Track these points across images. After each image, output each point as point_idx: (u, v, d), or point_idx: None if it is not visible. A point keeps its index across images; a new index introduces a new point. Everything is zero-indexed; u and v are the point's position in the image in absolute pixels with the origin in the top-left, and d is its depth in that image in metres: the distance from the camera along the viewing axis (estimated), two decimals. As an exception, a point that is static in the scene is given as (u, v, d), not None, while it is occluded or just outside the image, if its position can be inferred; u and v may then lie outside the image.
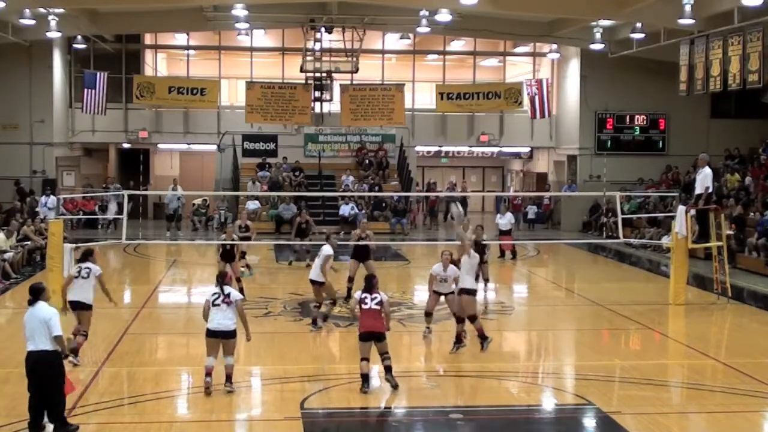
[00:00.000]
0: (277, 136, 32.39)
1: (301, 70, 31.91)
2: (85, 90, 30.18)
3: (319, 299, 15.26)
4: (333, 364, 13.17)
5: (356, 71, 32.08)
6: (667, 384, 12.25)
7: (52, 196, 27.73)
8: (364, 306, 11.37)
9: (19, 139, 31.01)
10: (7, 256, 20.17)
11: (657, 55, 28.06)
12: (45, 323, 9.24)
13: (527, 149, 36.74)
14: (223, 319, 11.04)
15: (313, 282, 15.16)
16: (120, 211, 30.80)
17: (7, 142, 30.81)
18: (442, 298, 13.90)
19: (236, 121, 32.45)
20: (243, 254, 17.68)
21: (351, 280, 17.23)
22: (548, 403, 11.42)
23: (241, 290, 16.83)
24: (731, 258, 20.77)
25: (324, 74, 31.91)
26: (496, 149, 36.00)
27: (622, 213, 21.99)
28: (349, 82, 32.39)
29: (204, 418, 10.23)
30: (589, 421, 10.56)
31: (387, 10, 28.89)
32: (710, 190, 17.96)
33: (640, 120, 32.28)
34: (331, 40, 32.20)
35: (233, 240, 17.79)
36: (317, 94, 31.98)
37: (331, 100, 32.42)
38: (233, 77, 35.14)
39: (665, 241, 22.44)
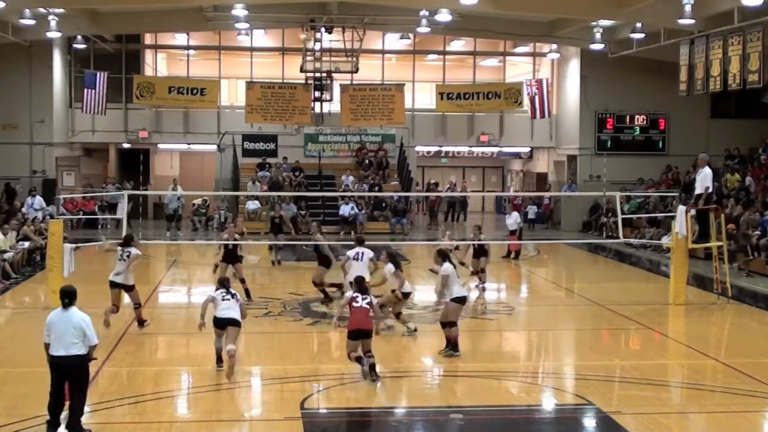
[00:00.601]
0: (277, 136, 32.39)
1: (301, 70, 31.91)
2: (85, 90, 30.19)
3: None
4: (333, 364, 13.16)
5: (356, 71, 32.08)
6: (667, 384, 12.25)
7: (38, 197, 27.58)
8: (355, 304, 11.73)
9: (19, 139, 31.00)
10: (7, 256, 20.17)
11: (657, 55, 28.06)
12: (80, 329, 9.22)
13: (527, 149, 36.74)
14: (228, 309, 11.95)
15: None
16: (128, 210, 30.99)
17: (7, 142, 30.80)
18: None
19: (236, 121, 32.46)
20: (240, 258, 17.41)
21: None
22: (548, 403, 11.42)
23: (246, 292, 16.87)
24: (731, 258, 20.75)
25: (324, 74, 31.91)
26: (496, 149, 36.00)
27: (622, 213, 22.00)
28: (349, 82, 32.39)
29: (204, 418, 10.23)
30: (589, 421, 10.56)
31: (387, 10, 28.88)
32: (710, 190, 17.96)
33: (640, 120, 32.28)
34: (331, 40, 32.20)
35: (235, 240, 17.71)
36: (317, 94, 31.97)
37: (331, 100, 32.42)
38: (233, 77, 35.13)
39: (665, 241, 22.44)
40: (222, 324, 11.93)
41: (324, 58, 32.06)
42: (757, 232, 21.44)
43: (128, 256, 14.48)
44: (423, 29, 28.86)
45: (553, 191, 34.06)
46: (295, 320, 15.75)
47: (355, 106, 31.67)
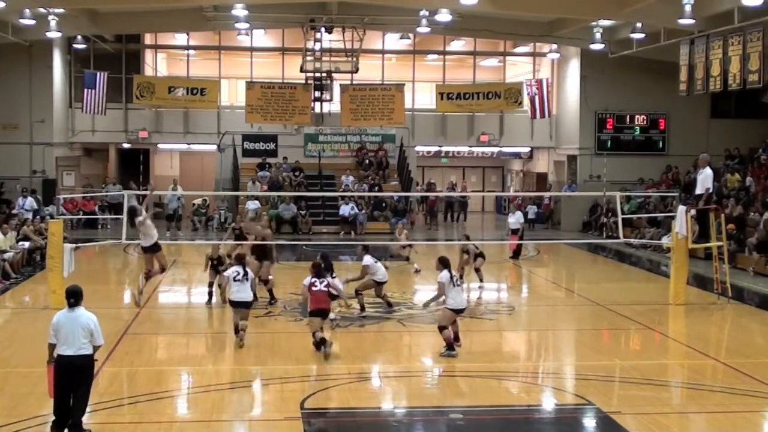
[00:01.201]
0: (277, 136, 32.40)
1: (301, 70, 31.92)
2: (85, 90, 30.20)
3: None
4: (333, 364, 13.17)
5: (356, 71, 32.08)
6: (667, 384, 12.25)
7: (29, 198, 27.45)
8: (314, 288, 13.17)
9: (19, 139, 31.02)
10: (7, 256, 20.17)
11: (657, 55, 28.06)
12: (88, 330, 9.23)
13: (527, 149, 36.75)
14: (242, 292, 13.78)
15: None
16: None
17: (7, 142, 30.83)
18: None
19: (236, 121, 32.47)
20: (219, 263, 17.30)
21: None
22: (548, 403, 11.42)
23: (270, 293, 17.11)
24: (731, 258, 20.77)
25: (324, 74, 31.91)
26: (496, 149, 36.00)
27: (622, 213, 21.99)
28: (349, 82, 32.39)
29: (204, 418, 10.23)
30: (589, 421, 10.56)
31: (387, 10, 28.88)
32: (710, 191, 17.97)
33: (640, 120, 32.29)
34: (331, 40, 32.21)
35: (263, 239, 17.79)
36: (317, 94, 31.98)
37: (331, 100, 32.42)
38: (233, 77, 35.14)
39: (665, 241, 22.44)
40: (234, 305, 13.84)
41: (324, 58, 32.07)
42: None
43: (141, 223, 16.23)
44: (423, 29, 28.87)
45: (553, 191, 34.07)
46: (295, 320, 15.75)
47: (355, 106, 31.68)
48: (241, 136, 32.31)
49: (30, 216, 25.39)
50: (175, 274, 22.05)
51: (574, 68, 32.72)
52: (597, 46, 28.68)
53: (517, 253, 24.59)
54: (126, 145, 34.37)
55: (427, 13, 27.69)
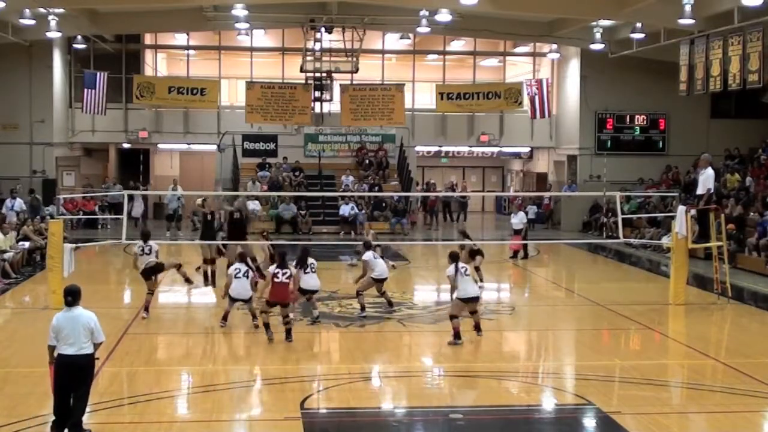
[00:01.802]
0: (277, 136, 32.40)
1: (301, 70, 31.92)
2: (85, 90, 30.20)
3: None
4: (333, 364, 13.17)
5: (356, 71, 32.08)
6: (667, 384, 12.24)
7: (18, 199, 27.14)
8: (276, 280, 13.69)
9: (19, 139, 31.03)
10: (7, 256, 20.16)
11: (657, 55, 28.07)
12: (88, 328, 9.23)
13: (527, 149, 36.75)
14: (242, 288, 14.35)
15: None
16: (143, 210, 31.03)
17: (7, 142, 30.84)
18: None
19: (236, 121, 32.47)
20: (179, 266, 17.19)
21: None
22: (548, 403, 11.41)
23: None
24: (731, 258, 20.78)
25: (324, 74, 31.91)
26: (496, 149, 36.01)
27: (622, 213, 21.99)
28: (349, 82, 32.39)
29: (204, 418, 10.22)
30: (589, 421, 10.56)
31: (387, 10, 28.89)
32: (711, 191, 17.97)
33: (640, 120, 32.29)
34: (331, 40, 32.20)
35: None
36: (317, 94, 31.98)
37: (331, 100, 32.42)
38: (233, 77, 35.15)
39: (665, 241, 22.44)
40: (233, 300, 14.52)
41: (324, 58, 32.07)
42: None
43: (150, 251, 15.98)
44: (423, 29, 28.87)
45: (553, 191, 34.07)
46: (296, 320, 15.72)
47: (355, 106, 31.68)
48: (241, 136, 32.31)
49: (16, 217, 24.90)
50: (175, 274, 21.99)
51: (574, 68, 32.72)
52: (597, 46, 28.69)
53: (517, 253, 24.55)
54: (126, 145, 34.37)
55: (427, 13, 27.69)
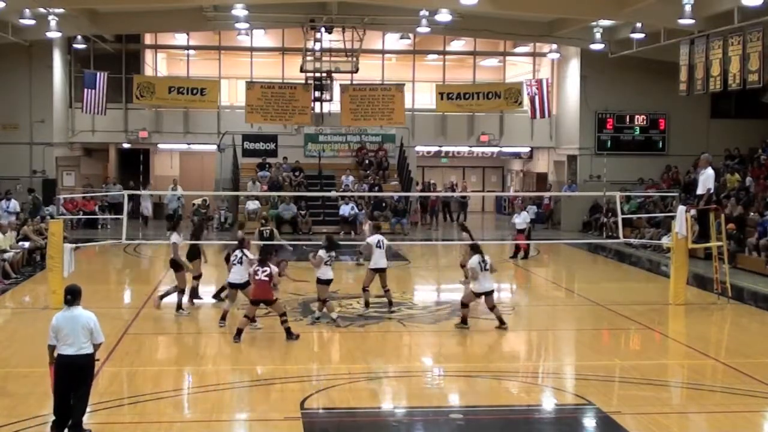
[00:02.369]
0: (277, 136, 32.40)
1: (301, 70, 31.91)
2: (85, 90, 30.20)
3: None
4: (333, 364, 13.18)
5: (356, 71, 32.08)
6: (667, 384, 12.24)
7: (13, 200, 26.91)
8: (256, 277, 13.84)
9: (19, 139, 31.03)
10: (7, 256, 20.16)
11: (657, 55, 28.06)
12: (88, 329, 9.23)
13: (527, 149, 36.75)
14: (238, 274, 14.78)
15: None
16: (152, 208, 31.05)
17: (7, 142, 30.83)
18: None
19: (236, 121, 32.47)
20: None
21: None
22: (548, 403, 11.41)
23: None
24: (731, 258, 20.77)
25: (324, 74, 31.91)
26: (496, 149, 36.01)
27: (622, 213, 21.99)
28: (349, 82, 32.39)
29: (204, 418, 10.23)
30: (589, 421, 10.56)
31: (387, 10, 28.89)
32: (711, 191, 17.98)
33: (640, 120, 32.29)
34: (331, 40, 32.20)
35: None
36: (317, 94, 31.99)
37: (331, 100, 32.42)
38: (233, 77, 35.15)
39: (665, 241, 22.44)
40: (231, 286, 14.99)
41: (324, 58, 32.07)
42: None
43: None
44: (423, 29, 28.87)
45: (553, 191, 34.07)
46: (295, 320, 15.73)
47: (355, 106, 31.68)
48: (241, 136, 32.31)
49: (13, 219, 24.58)
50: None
51: (574, 68, 32.72)
52: (597, 46, 28.69)
53: (517, 252, 24.54)
54: (126, 145, 34.38)
55: (427, 13, 27.69)
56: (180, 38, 34.81)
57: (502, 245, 26.46)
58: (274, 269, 14.10)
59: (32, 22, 25.59)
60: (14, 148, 30.88)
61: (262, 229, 21.29)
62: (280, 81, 32.89)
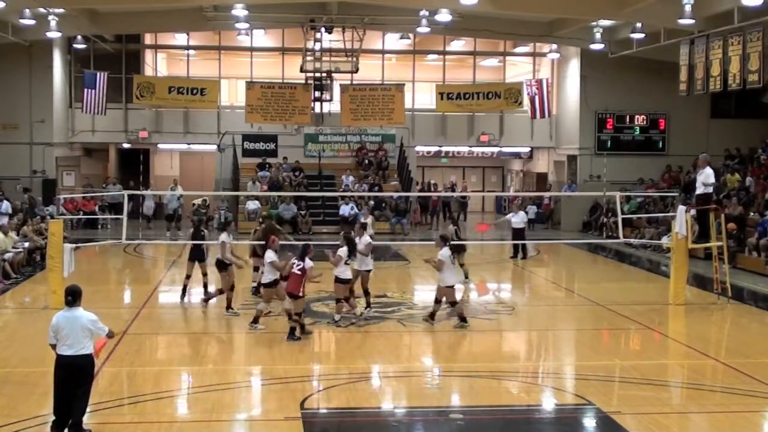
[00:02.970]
0: (277, 136, 32.39)
1: (301, 70, 31.92)
2: (85, 90, 30.20)
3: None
4: (333, 364, 13.18)
5: (356, 71, 32.08)
6: (667, 384, 12.24)
7: (5, 202, 26.77)
8: (292, 270, 13.85)
9: (19, 139, 31.03)
10: (7, 256, 20.16)
11: (657, 55, 28.07)
12: (88, 330, 9.24)
13: (527, 149, 36.75)
14: (271, 274, 14.50)
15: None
16: (154, 207, 31.04)
17: (7, 142, 30.84)
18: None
19: (236, 121, 32.47)
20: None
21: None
22: (548, 403, 11.41)
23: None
24: (731, 258, 20.77)
25: (324, 74, 31.91)
26: (496, 149, 36.01)
27: (622, 213, 21.99)
28: (349, 82, 32.39)
29: (204, 418, 10.23)
30: (589, 421, 10.56)
31: (387, 10, 28.89)
32: (710, 191, 17.97)
33: (640, 120, 32.30)
34: (331, 40, 32.20)
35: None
36: (317, 94, 31.98)
37: (331, 100, 32.42)
38: (233, 77, 35.15)
39: (665, 241, 22.45)
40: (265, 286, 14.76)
41: (324, 58, 32.07)
42: None
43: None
44: (423, 29, 28.87)
45: (553, 191, 34.07)
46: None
47: (355, 106, 31.68)
48: (241, 136, 32.31)
49: (4, 220, 24.45)
50: (175, 274, 22.03)
51: (574, 68, 32.72)
52: (597, 46, 28.69)
53: (517, 252, 24.55)
54: (126, 145, 34.38)
55: (427, 13, 27.69)
56: (180, 38, 34.81)
57: (502, 245, 26.44)
58: (309, 264, 13.94)
59: (32, 22, 25.60)
60: (14, 148, 30.89)
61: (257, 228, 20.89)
62: (280, 81, 32.89)
